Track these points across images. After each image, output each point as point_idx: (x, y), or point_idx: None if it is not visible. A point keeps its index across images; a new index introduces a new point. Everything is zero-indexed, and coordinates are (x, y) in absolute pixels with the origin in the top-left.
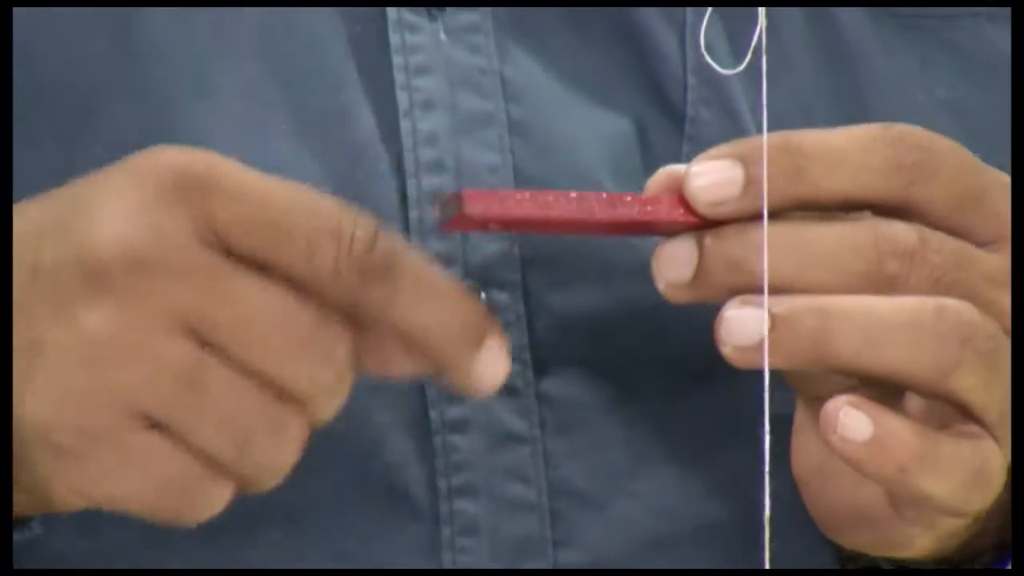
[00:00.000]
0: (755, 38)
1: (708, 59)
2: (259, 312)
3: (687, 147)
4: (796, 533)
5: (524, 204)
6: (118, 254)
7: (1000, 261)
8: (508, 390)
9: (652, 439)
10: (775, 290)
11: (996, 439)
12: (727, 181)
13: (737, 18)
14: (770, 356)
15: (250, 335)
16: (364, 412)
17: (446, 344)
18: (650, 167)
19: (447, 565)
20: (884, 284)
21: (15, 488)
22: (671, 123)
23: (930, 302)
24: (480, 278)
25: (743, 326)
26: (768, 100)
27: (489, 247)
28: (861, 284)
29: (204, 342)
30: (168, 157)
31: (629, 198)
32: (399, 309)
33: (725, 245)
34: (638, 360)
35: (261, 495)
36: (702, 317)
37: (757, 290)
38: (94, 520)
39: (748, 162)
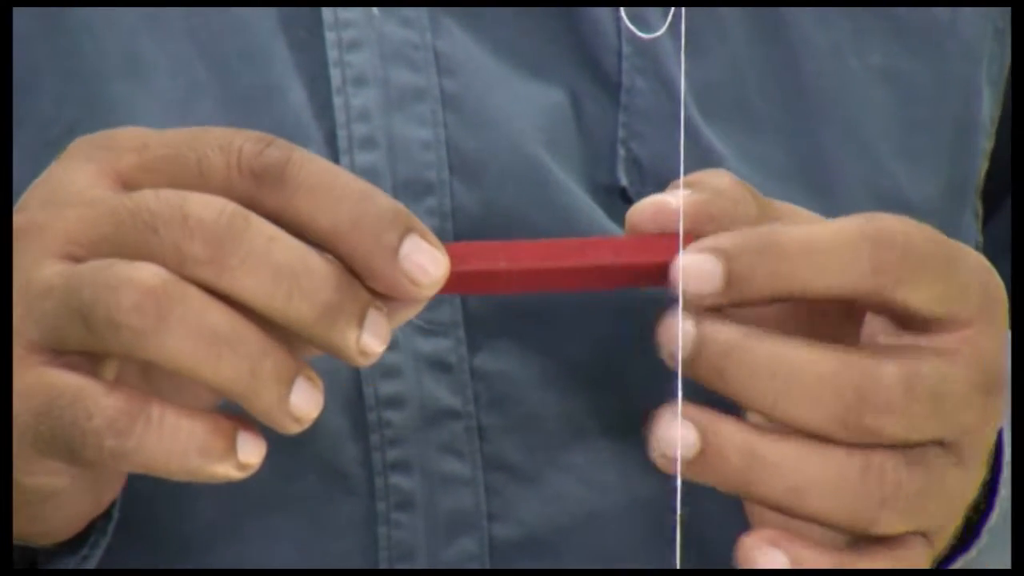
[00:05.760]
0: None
1: (628, 23)
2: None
3: (623, 117)
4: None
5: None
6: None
7: (966, 376)
8: (442, 366)
9: (588, 413)
10: (756, 411)
11: (930, 542)
12: (708, 275)
13: None
14: (694, 475)
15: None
16: None
17: (360, 242)
18: (586, 138)
19: (382, 539)
20: (856, 431)
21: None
22: (606, 93)
23: (856, 460)
24: None
25: (670, 442)
26: (702, 69)
27: (423, 223)
28: (834, 427)
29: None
30: (84, 138)
31: (599, 241)
32: (303, 210)
33: (711, 349)
34: (573, 334)
35: None
36: (636, 291)
37: (739, 403)
38: None
39: (730, 259)
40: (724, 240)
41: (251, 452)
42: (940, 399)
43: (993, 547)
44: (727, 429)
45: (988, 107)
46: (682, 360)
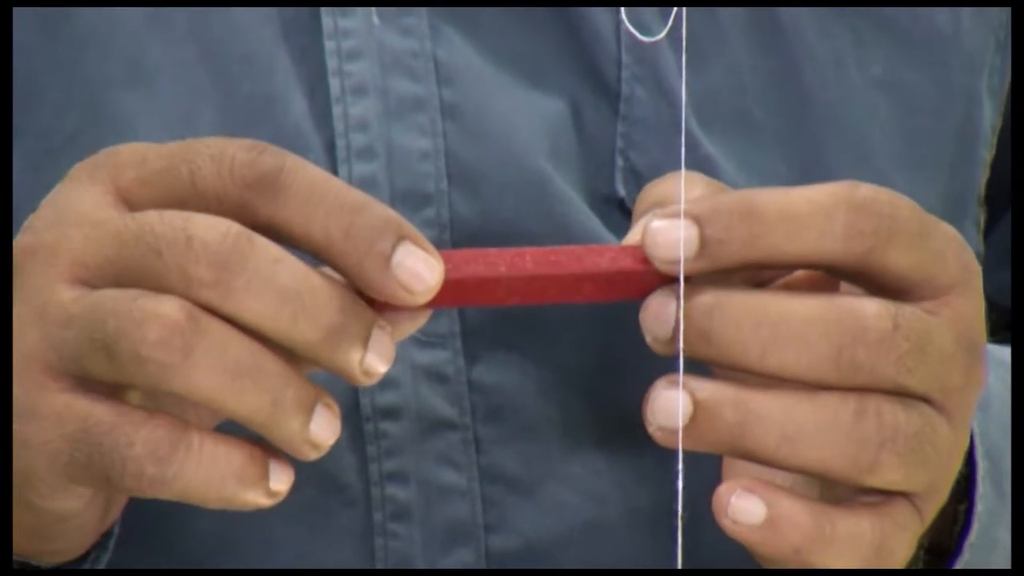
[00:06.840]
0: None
1: (628, 25)
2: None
3: (622, 127)
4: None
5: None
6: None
7: (950, 333)
8: (439, 377)
9: (584, 424)
10: (743, 368)
11: (919, 510)
12: (683, 240)
13: None
14: (690, 441)
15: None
16: None
17: (353, 250)
18: (586, 148)
19: (379, 550)
20: (848, 370)
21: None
22: (606, 103)
23: (851, 404)
24: None
25: (667, 409)
26: (702, 78)
27: (421, 234)
28: (826, 368)
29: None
30: (87, 159)
31: (585, 250)
32: (296, 219)
33: (694, 314)
34: (570, 345)
35: None
36: (635, 303)
37: (728, 362)
38: None
39: (705, 223)
40: (698, 205)
41: (282, 480)
42: (926, 342)
43: (973, 563)
44: (717, 387)
45: (989, 117)
46: (666, 337)
